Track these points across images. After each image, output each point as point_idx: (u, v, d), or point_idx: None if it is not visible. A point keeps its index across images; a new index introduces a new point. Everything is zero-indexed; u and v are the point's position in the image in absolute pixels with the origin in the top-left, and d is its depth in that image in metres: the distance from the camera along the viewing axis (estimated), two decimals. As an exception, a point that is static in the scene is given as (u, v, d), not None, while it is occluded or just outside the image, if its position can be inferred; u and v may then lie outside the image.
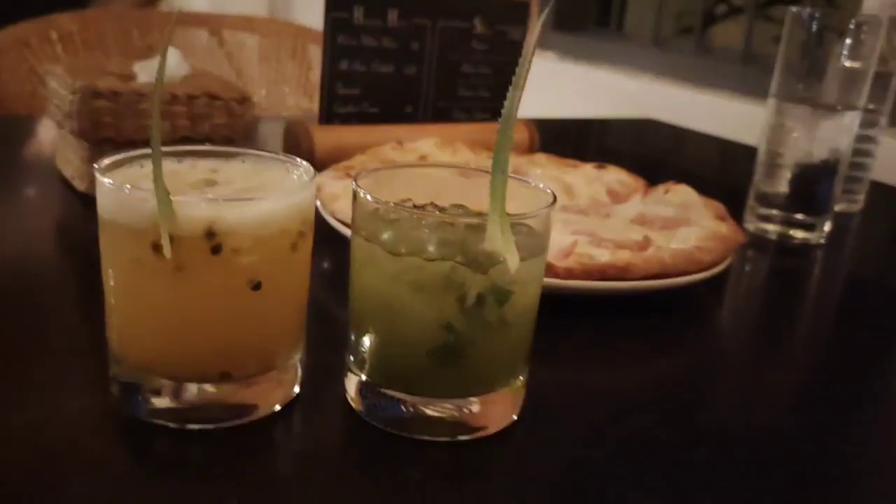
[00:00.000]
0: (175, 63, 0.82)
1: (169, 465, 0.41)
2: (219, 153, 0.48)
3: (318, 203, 0.71)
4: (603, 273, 0.59)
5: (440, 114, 1.00)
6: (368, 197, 0.43)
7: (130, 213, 0.40)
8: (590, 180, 0.84)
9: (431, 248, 0.41)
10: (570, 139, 1.35)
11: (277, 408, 0.45)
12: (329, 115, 0.93)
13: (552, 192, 0.45)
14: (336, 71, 0.92)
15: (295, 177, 0.47)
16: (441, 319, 0.42)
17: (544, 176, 0.85)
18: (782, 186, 0.87)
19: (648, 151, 1.40)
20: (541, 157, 0.89)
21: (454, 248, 0.41)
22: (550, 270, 0.59)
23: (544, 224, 0.44)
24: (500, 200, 0.39)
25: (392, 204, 0.42)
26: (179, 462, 0.41)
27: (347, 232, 0.65)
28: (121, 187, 0.40)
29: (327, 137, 0.91)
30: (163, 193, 0.38)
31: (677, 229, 0.70)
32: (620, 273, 0.59)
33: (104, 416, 0.44)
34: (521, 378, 0.47)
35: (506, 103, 0.37)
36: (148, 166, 0.45)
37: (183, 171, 0.46)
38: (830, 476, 0.46)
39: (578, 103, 1.79)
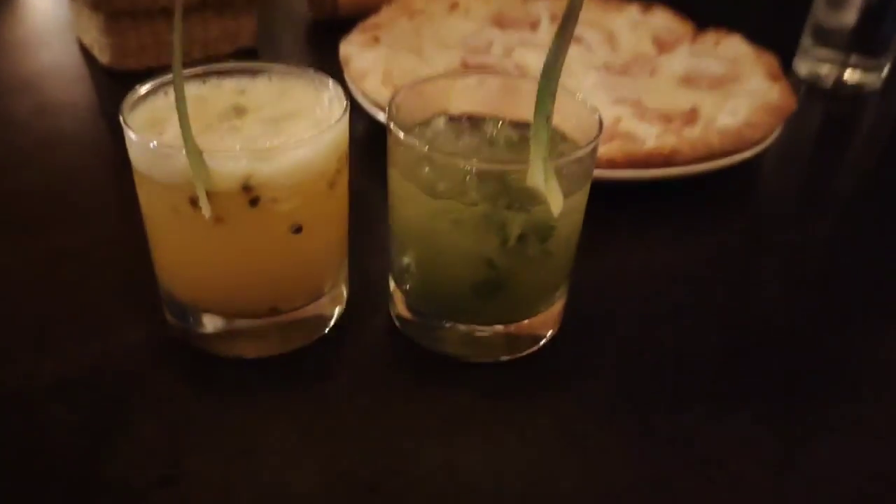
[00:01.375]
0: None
1: (228, 393, 0.43)
2: (243, 69, 0.46)
3: (347, 79, 0.68)
4: (648, 161, 0.57)
5: (471, -57, 0.92)
6: (401, 135, 0.41)
7: (163, 169, 0.39)
8: (635, 26, 0.79)
9: (471, 193, 0.40)
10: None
11: (326, 331, 0.47)
12: (351, -46, 0.86)
13: (599, 115, 0.42)
14: None
15: (326, 100, 0.44)
16: (483, 256, 0.42)
17: (586, 22, 0.79)
18: (842, 19, 0.80)
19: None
20: (581, -2, 0.83)
21: (494, 186, 0.40)
22: (592, 160, 0.57)
23: (590, 154, 0.42)
24: (543, 146, 0.37)
25: (426, 148, 0.40)
26: (238, 389, 0.43)
27: (379, 115, 0.63)
28: (149, 143, 0.39)
29: (351, -17, 0.85)
30: (195, 153, 0.37)
31: (727, 93, 0.66)
32: (666, 161, 0.57)
33: (162, 348, 0.46)
34: (563, 295, 0.47)
35: (548, 54, 0.34)
36: (172, 94, 0.43)
37: (208, 96, 0.44)
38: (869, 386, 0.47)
39: None
